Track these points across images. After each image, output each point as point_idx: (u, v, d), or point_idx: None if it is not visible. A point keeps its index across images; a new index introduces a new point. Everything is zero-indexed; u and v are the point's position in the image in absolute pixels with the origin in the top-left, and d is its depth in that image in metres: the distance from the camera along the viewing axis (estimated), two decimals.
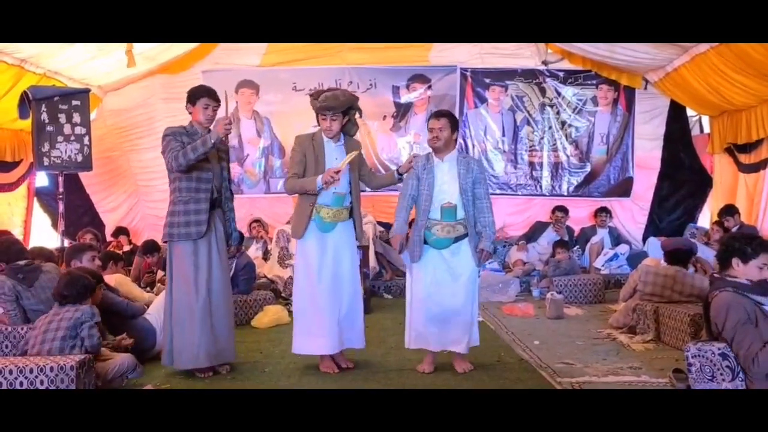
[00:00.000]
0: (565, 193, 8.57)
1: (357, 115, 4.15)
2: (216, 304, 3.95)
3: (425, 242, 3.95)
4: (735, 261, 3.03)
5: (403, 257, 4.13)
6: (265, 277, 7.11)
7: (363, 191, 4.28)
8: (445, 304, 3.93)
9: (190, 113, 4.02)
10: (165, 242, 4.13)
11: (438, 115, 4.04)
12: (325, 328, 3.96)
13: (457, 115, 8.35)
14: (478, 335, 4.06)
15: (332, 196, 3.97)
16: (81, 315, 3.54)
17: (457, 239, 3.93)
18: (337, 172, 3.80)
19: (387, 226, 7.06)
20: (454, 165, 3.96)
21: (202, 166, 3.93)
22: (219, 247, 4.02)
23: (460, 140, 8.50)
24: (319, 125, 4.09)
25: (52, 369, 3.10)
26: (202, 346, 3.88)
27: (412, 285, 4.05)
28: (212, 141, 3.77)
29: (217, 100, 4.00)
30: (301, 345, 4.06)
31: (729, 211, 6.89)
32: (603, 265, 7.41)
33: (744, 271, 3.00)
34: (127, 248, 7.32)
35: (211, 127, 3.91)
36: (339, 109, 3.98)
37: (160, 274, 5.86)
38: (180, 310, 3.92)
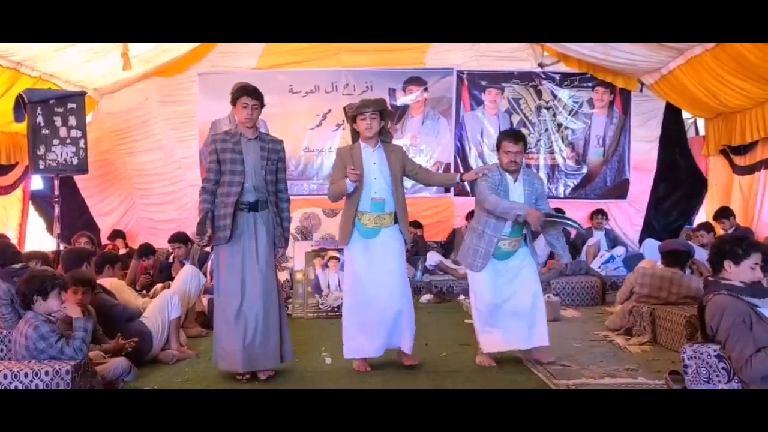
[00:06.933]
0: (562, 196, 8.56)
1: (388, 123, 4.23)
2: (251, 310, 3.83)
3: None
4: (727, 263, 3.04)
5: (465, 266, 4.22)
6: None
7: None
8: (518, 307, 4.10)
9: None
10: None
11: (516, 138, 4.09)
12: (372, 332, 3.99)
13: (453, 117, 8.45)
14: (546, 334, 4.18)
15: (370, 202, 4.01)
16: (31, 343, 3.25)
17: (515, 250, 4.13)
18: (354, 168, 3.90)
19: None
20: (522, 185, 4.08)
21: (233, 170, 3.87)
22: (257, 251, 3.88)
23: (456, 143, 8.53)
24: (357, 128, 4.11)
25: (47, 373, 3.08)
26: (234, 350, 3.82)
27: (476, 291, 4.16)
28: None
29: (257, 98, 3.91)
30: (350, 350, 4.07)
31: (724, 213, 6.90)
32: (599, 268, 7.42)
33: (737, 273, 3.01)
34: (123, 251, 7.30)
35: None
36: (376, 107, 4.06)
37: (158, 286, 5.76)
38: (217, 312, 3.99)
